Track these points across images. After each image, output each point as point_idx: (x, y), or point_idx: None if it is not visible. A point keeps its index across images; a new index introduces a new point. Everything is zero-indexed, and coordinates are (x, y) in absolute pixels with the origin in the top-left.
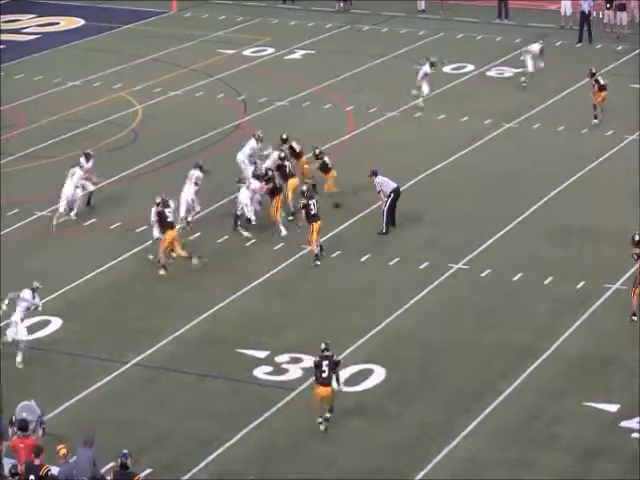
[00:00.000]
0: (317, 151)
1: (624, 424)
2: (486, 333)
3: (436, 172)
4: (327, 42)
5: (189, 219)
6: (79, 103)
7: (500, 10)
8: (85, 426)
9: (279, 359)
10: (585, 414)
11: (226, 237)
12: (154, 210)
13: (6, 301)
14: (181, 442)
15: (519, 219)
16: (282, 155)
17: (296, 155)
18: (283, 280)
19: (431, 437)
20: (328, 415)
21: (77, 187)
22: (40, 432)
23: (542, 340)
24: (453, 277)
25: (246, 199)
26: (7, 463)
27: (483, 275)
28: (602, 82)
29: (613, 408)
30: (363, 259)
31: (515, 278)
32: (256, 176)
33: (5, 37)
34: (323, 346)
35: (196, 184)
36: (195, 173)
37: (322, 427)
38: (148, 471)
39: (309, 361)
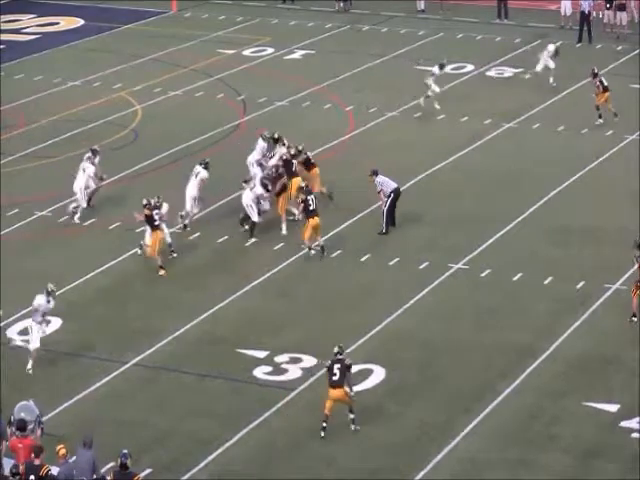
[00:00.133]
0: (300, 147)
1: (624, 424)
2: (486, 333)
3: (436, 172)
4: (327, 42)
5: (186, 222)
6: (79, 103)
7: (500, 10)
8: (85, 426)
9: (279, 359)
10: (585, 414)
11: (226, 237)
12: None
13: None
14: (181, 442)
15: (519, 219)
16: (292, 152)
17: (310, 165)
18: (283, 280)
19: (431, 437)
20: (352, 416)
21: (92, 177)
22: (39, 432)
23: (542, 340)
24: (453, 277)
25: (248, 200)
26: (7, 463)
27: (483, 275)
28: (605, 83)
29: (613, 408)
30: (363, 259)
31: (515, 278)
32: (264, 184)
33: (5, 37)
34: (336, 349)
35: (202, 180)
36: (202, 173)
37: (352, 427)
38: (148, 471)
39: (309, 361)
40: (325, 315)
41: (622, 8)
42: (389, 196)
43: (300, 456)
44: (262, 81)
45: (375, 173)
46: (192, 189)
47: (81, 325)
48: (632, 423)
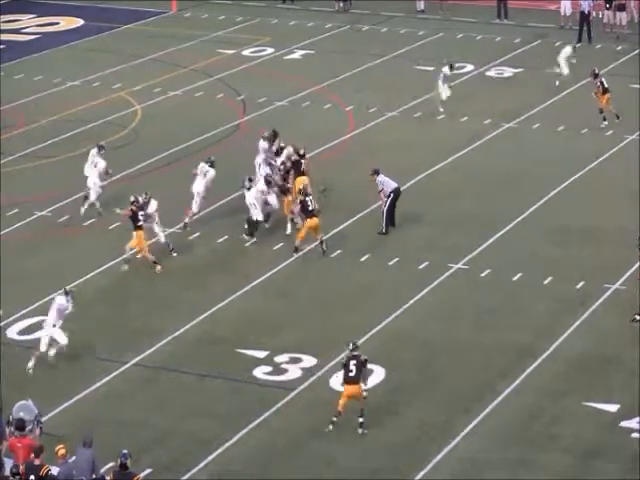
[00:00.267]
0: (282, 144)
1: (624, 424)
2: (486, 333)
3: (436, 172)
4: (327, 42)
5: (186, 220)
6: (79, 103)
7: (499, 10)
8: (85, 426)
9: (279, 359)
10: (585, 414)
11: (226, 237)
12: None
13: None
14: (181, 442)
15: (519, 219)
16: (300, 151)
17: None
18: (283, 280)
19: (431, 437)
20: (361, 420)
21: (107, 172)
22: (37, 432)
23: (542, 340)
24: (453, 277)
25: (251, 199)
26: (7, 463)
27: (483, 275)
28: (606, 85)
29: (613, 408)
30: (363, 259)
31: (515, 278)
32: (267, 180)
33: (5, 37)
34: (351, 346)
35: (210, 179)
36: (210, 172)
37: (360, 431)
38: (148, 471)
39: (308, 361)
40: (325, 315)
41: (622, 8)
42: (389, 196)
43: (300, 456)
44: (262, 81)
45: (376, 172)
46: (199, 187)
47: (81, 325)
48: (632, 423)
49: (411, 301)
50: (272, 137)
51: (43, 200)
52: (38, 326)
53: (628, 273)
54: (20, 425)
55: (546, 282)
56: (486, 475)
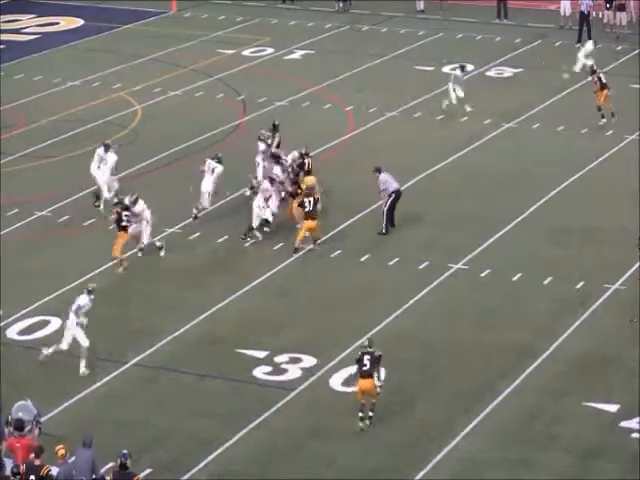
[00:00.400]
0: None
1: (624, 424)
2: (486, 333)
3: (436, 172)
4: (327, 42)
5: (197, 214)
6: (79, 103)
7: (499, 10)
8: (85, 426)
9: (278, 359)
10: (585, 414)
11: (226, 237)
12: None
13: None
14: (181, 442)
15: (519, 219)
16: (304, 152)
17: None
18: (283, 280)
19: (431, 437)
20: (371, 414)
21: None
22: (36, 432)
23: (542, 340)
24: (453, 277)
25: (259, 200)
26: (8, 463)
27: (483, 275)
28: (604, 80)
29: (613, 408)
30: (363, 259)
31: (515, 278)
32: (271, 178)
33: (5, 37)
34: (366, 342)
35: (218, 176)
36: (218, 168)
37: (360, 424)
38: (148, 471)
39: (308, 361)
40: (325, 315)
41: (622, 8)
42: (390, 196)
43: (300, 456)
44: (262, 81)
45: (378, 170)
46: (208, 184)
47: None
48: (632, 423)
49: (411, 301)
50: (272, 130)
51: (43, 200)
52: (38, 326)
53: (628, 273)
54: (19, 425)
55: (546, 282)
56: (486, 475)
